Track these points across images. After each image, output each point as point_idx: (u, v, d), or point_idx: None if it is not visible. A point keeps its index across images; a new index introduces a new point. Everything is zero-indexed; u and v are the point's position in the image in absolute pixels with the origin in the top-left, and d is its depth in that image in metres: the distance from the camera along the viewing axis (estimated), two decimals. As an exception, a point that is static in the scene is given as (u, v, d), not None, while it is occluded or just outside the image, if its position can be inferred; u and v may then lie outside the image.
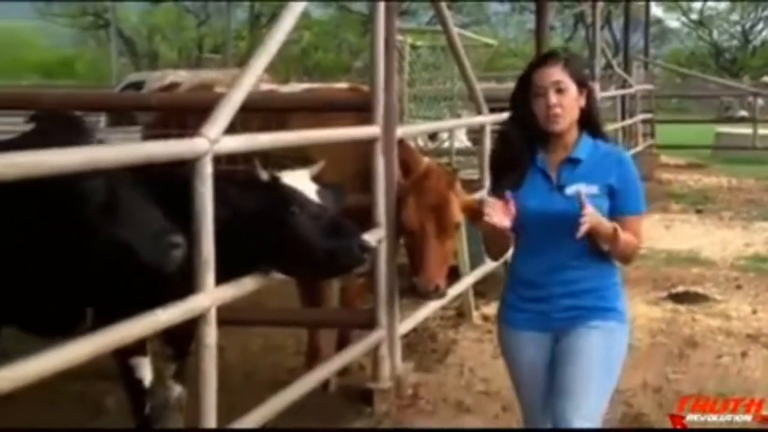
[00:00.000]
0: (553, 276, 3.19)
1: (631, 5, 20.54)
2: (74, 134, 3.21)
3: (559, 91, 3.14)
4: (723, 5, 46.16)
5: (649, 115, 18.53)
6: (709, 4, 46.06)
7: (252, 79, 3.88)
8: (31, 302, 3.71)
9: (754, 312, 7.09)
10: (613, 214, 3.17)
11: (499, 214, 3.04)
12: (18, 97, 5.53)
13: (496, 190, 3.23)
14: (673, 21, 47.74)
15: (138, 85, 12.36)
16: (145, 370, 3.88)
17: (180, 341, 4.01)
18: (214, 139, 3.37)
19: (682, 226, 11.30)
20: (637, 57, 20.07)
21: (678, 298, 7.44)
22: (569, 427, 3.08)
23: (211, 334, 3.37)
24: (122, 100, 7.89)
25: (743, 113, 24.07)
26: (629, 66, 17.88)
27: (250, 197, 3.61)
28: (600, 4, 13.64)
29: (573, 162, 3.21)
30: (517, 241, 3.31)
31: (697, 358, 5.97)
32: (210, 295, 3.34)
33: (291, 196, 3.62)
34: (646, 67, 20.79)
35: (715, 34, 47.22)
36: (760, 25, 46.50)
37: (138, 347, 3.73)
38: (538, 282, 3.21)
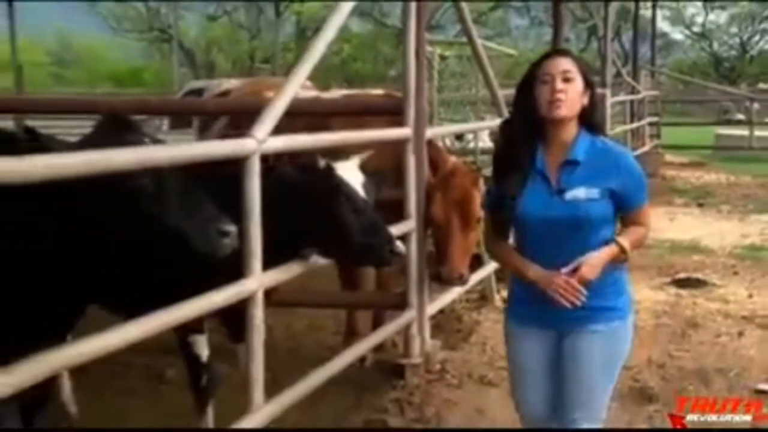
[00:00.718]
0: None
1: (639, 19, 20.33)
2: (130, 135, 3.15)
3: (566, 80, 2.88)
4: (723, 19, 45.79)
5: (655, 118, 18.30)
6: (710, 17, 45.72)
7: (296, 86, 3.87)
8: (112, 282, 3.69)
9: (750, 296, 7.01)
10: (621, 209, 2.99)
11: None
12: (95, 104, 5.57)
13: (500, 191, 3.01)
14: (677, 34, 47.49)
15: (198, 92, 12.35)
16: (203, 346, 3.86)
17: (235, 325, 3.99)
18: (261, 140, 3.37)
19: (685, 219, 11.17)
20: (644, 66, 19.84)
21: (680, 283, 7.36)
22: (575, 427, 3.01)
23: (258, 315, 3.37)
24: (183, 105, 7.89)
25: (740, 116, 23.81)
26: (637, 74, 17.69)
27: (308, 181, 3.54)
28: (611, 19, 13.48)
29: (572, 164, 2.94)
30: (520, 242, 3.09)
31: (697, 337, 5.90)
32: (257, 279, 3.34)
33: (342, 187, 3.54)
34: (652, 75, 20.57)
35: (715, 45, 46.75)
36: (757, 37, 46.03)
37: (196, 325, 3.72)
38: None
